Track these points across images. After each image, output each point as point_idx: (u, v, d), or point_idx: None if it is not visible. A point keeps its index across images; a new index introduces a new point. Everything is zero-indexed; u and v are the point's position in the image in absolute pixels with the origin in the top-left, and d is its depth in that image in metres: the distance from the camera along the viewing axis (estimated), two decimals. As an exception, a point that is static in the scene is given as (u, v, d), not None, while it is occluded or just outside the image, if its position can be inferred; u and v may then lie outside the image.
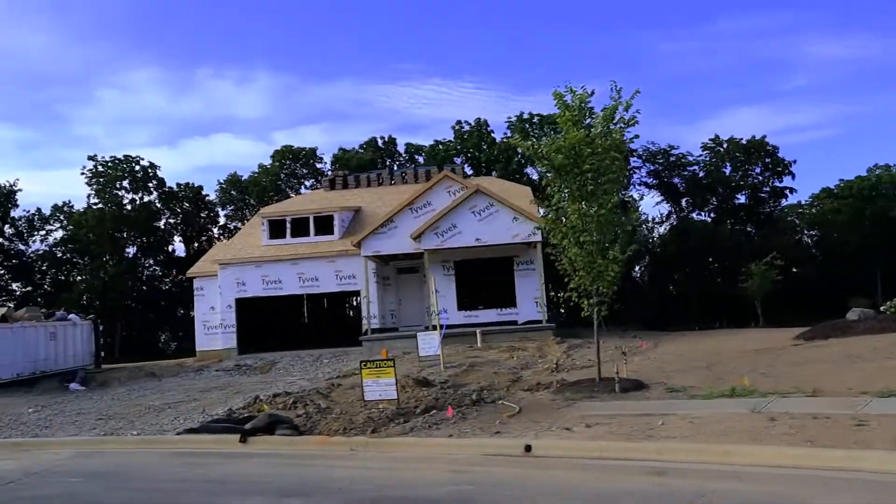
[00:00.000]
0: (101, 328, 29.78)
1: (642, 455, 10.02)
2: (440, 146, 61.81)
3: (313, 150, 61.58)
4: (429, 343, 21.06)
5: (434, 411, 13.50)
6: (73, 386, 24.13)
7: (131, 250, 60.99)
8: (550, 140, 16.15)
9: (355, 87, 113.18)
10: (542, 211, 17.00)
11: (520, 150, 60.81)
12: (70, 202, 63.75)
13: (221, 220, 64.75)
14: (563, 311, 33.20)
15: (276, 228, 31.69)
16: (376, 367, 13.76)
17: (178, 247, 63.92)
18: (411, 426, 12.55)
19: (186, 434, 13.77)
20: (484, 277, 29.44)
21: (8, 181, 62.51)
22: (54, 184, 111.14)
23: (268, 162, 61.90)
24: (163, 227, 62.59)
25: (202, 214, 63.81)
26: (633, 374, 16.90)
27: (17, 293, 62.28)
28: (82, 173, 58.95)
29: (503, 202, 27.68)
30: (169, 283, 64.35)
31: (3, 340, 23.11)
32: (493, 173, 53.30)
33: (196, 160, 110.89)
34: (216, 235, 64.14)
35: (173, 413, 17.77)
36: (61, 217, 63.51)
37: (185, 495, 9.05)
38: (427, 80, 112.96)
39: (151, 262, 63.35)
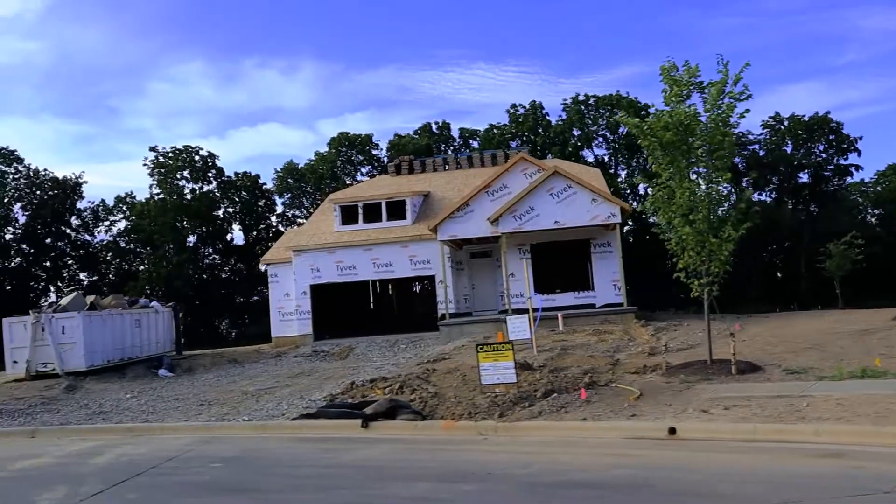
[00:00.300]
0: (180, 315, 30.01)
1: (799, 437, 9.60)
2: (495, 130, 61.31)
3: (369, 137, 61.53)
4: (519, 326, 20.68)
5: (555, 395, 13.19)
6: (161, 372, 24.36)
7: (192, 239, 61.71)
8: (657, 116, 15.63)
9: (399, 74, 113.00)
10: (649, 190, 16.50)
11: (576, 132, 60.31)
12: (132, 193, 64.93)
13: (279, 209, 65.20)
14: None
15: (348, 214, 31.60)
16: (494, 351, 13.47)
17: (237, 235, 64.59)
18: (538, 410, 12.26)
19: (302, 419, 13.65)
20: (560, 261, 29.01)
21: (73, 174, 63.77)
22: (109, 176, 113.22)
23: (323, 149, 62.00)
24: (221, 216, 63.21)
25: (259, 203, 64.22)
26: (739, 357, 16.39)
27: (85, 283, 63.63)
28: (144, 164, 59.85)
29: (581, 184, 27.18)
30: (228, 272, 65.15)
31: (94, 328, 23.37)
32: (549, 156, 52.62)
33: (245, 150, 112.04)
34: (274, 223, 64.67)
35: (272, 399, 17.74)
36: (124, 208, 64.63)
37: (343, 481, 8.86)
38: (471, 64, 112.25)
39: (210, 250, 64.02)
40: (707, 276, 15.50)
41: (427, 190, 33.76)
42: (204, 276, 61.71)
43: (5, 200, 59.89)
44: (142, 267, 64.02)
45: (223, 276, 64.83)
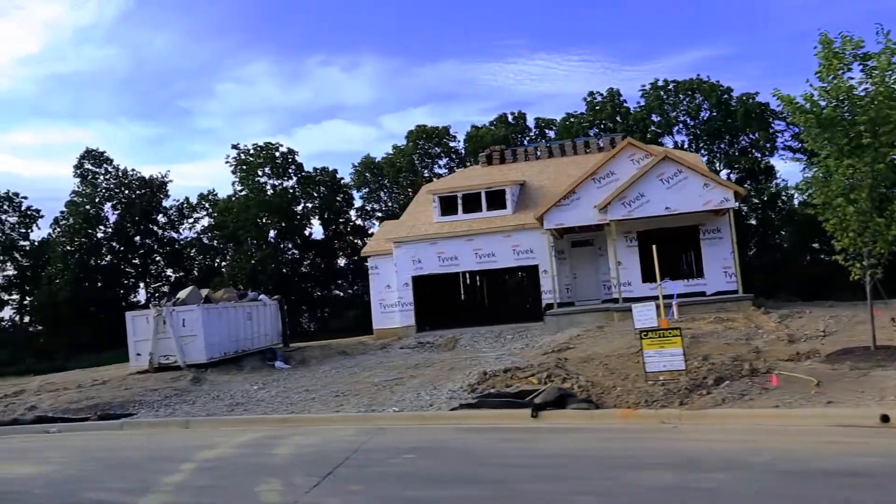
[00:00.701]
0: (285, 308, 30.20)
1: None
2: (572, 118, 60.35)
3: (446, 129, 61.23)
4: (645, 315, 20.05)
5: (727, 382, 12.62)
6: (277, 364, 24.46)
7: (272, 234, 62.43)
8: (810, 93, 14.84)
9: (460, 67, 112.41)
10: (807, 171, 15.71)
11: (656, 118, 58.98)
12: (214, 191, 66.02)
13: (356, 203, 65.48)
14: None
15: (447, 205, 31.34)
16: (660, 338, 12.97)
17: (316, 230, 65.14)
18: (720, 397, 11.72)
19: (463, 409, 13.35)
20: (668, 248, 28.18)
21: (160, 173, 65.27)
22: (181, 176, 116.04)
23: (391, 143, 62.06)
24: (300, 211, 63.78)
25: (338, 198, 64.60)
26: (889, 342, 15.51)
27: (172, 279, 65.07)
28: (227, 162, 60.78)
29: (693, 168, 26.36)
30: (307, 266, 65.70)
31: (211, 320, 23.59)
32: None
33: (311, 147, 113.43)
34: (353, 218, 65.07)
35: (406, 389, 17.47)
36: (206, 205, 65.81)
37: (568, 470, 8.48)
38: (533, 55, 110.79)
39: (290, 245, 64.68)
40: (870, 257, 14.69)
41: (522, 179, 33.26)
42: (284, 270, 62.35)
43: (97, 200, 61.60)
44: (224, 263, 65.24)
45: (302, 270, 65.44)
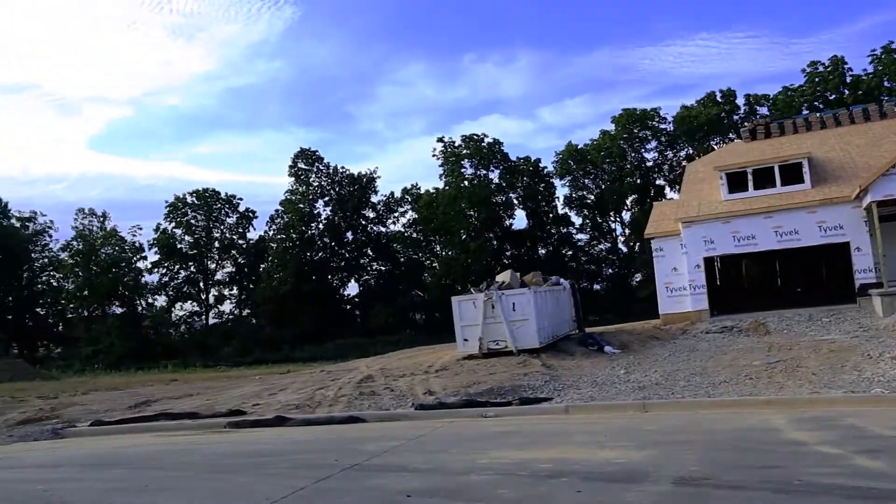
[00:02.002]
0: (577, 292, 29.04)
1: None
2: (789, 92, 56.29)
3: (655, 111, 58.66)
4: None
5: None
6: (607, 349, 23.16)
7: (478, 225, 62.15)
8: None
9: (616, 54, 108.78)
10: None
11: (888, 83, 53.89)
12: (417, 185, 66.50)
13: (558, 191, 64.18)
14: None
15: (736, 181, 29.13)
16: None
17: (518, 220, 64.36)
18: None
19: None
20: None
21: (369, 169, 66.45)
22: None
23: (608, 127, 60.16)
24: (503, 201, 63.17)
25: (540, 187, 63.50)
26: None
27: (381, 271, 66.23)
28: (433, 155, 61.02)
29: None
30: (509, 257, 65.01)
31: (540, 304, 22.64)
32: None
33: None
34: (559, 207, 63.92)
35: (834, 374, 15.59)
36: (409, 199, 66.46)
37: None
38: (692, 35, 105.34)
39: (491, 235, 64.26)
40: None
41: (808, 152, 30.55)
42: (489, 260, 61.93)
43: (310, 198, 63.48)
44: (426, 256, 65.73)
45: (505, 261, 64.79)
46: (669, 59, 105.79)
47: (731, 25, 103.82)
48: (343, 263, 65.52)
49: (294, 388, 19.94)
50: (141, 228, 67.44)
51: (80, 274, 64.65)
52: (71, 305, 68.68)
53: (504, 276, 24.24)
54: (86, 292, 64.76)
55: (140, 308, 66.58)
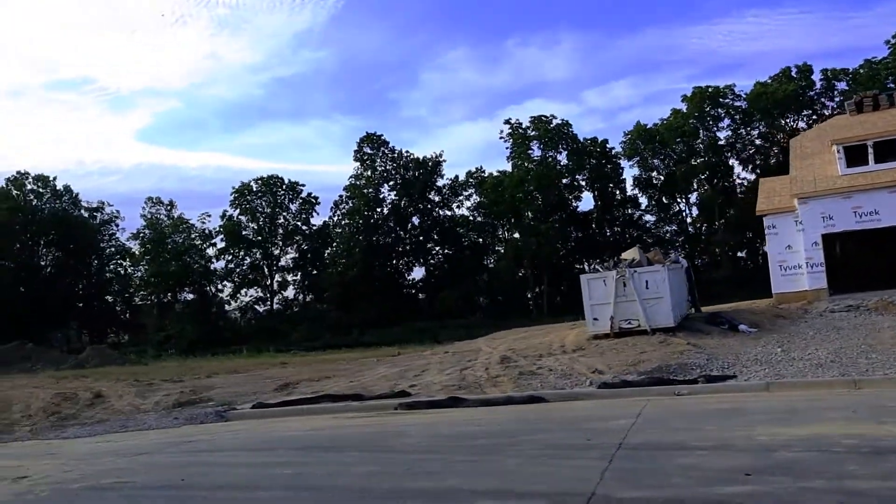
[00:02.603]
0: (691, 271, 28.15)
1: None
2: (872, 65, 54.28)
3: (730, 88, 56.96)
4: None
5: None
6: (742, 328, 22.31)
7: (545, 207, 61.18)
8: None
9: (662, 34, 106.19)
10: None
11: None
12: (482, 168, 65.68)
13: (625, 172, 63.00)
14: None
15: (855, 155, 27.93)
16: None
17: (585, 202, 63.34)
18: None
19: None
20: None
21: (434, 153, 65.60)
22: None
23: (679, 106, 58.57)
24: (569, 182, 62.19)
25: (607, 168, 62.32)
26: None
27: (441, 254, 65.66)
28: (500, 137, 60.18)
29: None
30: (572, 241, 63.88)
31: (673, 282, 21.85)
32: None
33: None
34: (628, 189, 62.78)
35: None
36: (472, 182, 65.71)
37: None
38: (743, 13, 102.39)
39: (556, 218, 63.24)
40: None
41: (927, 124, 29.18)
42: (559, 244, 61.07)
43: (375, 182, 63.10)
44: (489, 239, 65.06)
45: (570, 244, 63.87)
46: (719, 38, 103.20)
47: (783, 1, 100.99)
48: (408, 248, 65.08)
49: (435, 369, 19.34)
50: (209, 216, 67.85)
51: (151, 261, 65.16)
52: (141, 293, 69.32)
53: (632, 254, 23.50)
54: (156, 279, 65.27)
55: (211, 294, 66.92)
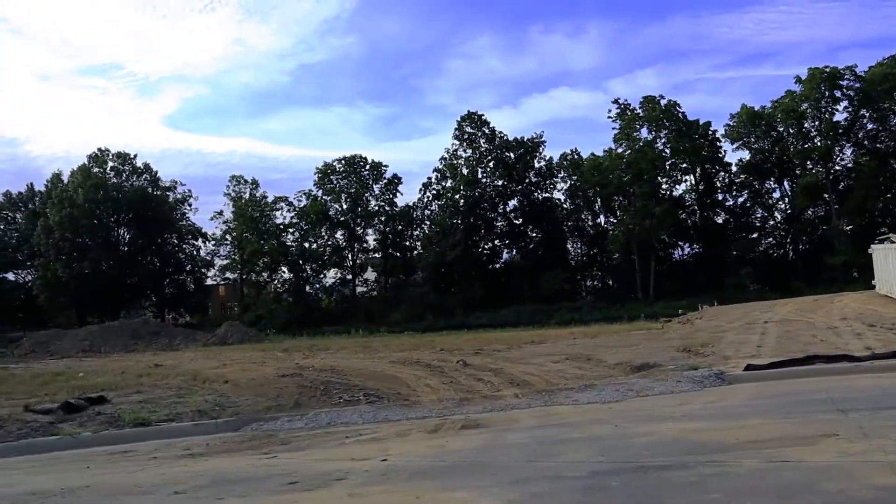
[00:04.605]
0: None
1: None
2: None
3: (850, 68, 54.58)
4: None
5: None
6: None
7: (650, 189, 58.98)
8: None
9: (690, 22, 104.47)
10: None
11: None
12: (577, 149, 63.54)
13: (727, 155, 61.05)
14: None
15: None
16: None
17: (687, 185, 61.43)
18: None
19: None
20: None
21: (535, 133, 63.25)
22: (412, 151, 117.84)
23: (794, 88, 56.37)
24: (669, 166, 60.18)
25: (705, 151, 60.21)
26: None
27: (537, 237, 63.56)
28: (609, 117, 58.12)
29: None
30: (690, 223, 61.59)
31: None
32: None
33: (537, 116, 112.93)
34: (730, 173, 60.84)
35: None
36: (566, 164, 63.61)
37: None
38: (774, 2, 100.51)
39: (654, 201, 61.16)
40: None
41: None
42: (664, 226, 58.86)
43: (473, 163, 60.92)
44: (591, 221, 63.12)
45: (688, 229, 61.59)
46: (749, 27, 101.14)
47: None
48: (506, 229, 62.92)
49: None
50: (292, 197, 65.63)
51: (247, 241, 62.89)
52: (228, 274, 67.04)
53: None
54: (251, 259, 63.04)
55: (303, 274, 64.56)
